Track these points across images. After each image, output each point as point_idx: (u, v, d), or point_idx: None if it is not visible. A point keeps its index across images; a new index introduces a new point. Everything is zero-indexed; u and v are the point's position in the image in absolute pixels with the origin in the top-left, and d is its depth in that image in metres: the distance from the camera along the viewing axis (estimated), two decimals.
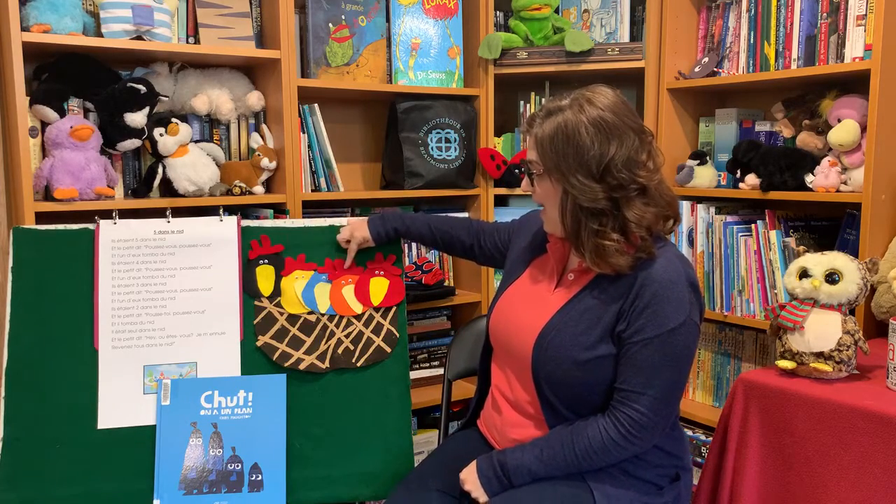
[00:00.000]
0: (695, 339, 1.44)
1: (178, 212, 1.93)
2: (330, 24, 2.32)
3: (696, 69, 2.36)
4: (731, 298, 2.24)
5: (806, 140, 2.11)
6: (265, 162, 2.18)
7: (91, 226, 1.79)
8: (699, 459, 2.27)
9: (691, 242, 2.34)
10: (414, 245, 2.59)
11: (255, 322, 1.82)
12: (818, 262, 1.63)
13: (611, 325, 1.42)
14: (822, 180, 2.01)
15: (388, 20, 2.44)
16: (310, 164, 2.29)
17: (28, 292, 1.73)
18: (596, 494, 1.43)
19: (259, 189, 2.20)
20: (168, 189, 2.06)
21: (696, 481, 1.75)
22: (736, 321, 2.24)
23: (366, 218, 1.89)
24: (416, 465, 1.77)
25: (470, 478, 1.49)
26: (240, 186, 2.17)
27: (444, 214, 1.97)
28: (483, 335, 1.73)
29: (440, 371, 2.44)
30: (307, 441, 1.78)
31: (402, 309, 1.91)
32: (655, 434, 1.43)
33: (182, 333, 1.78)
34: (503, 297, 1.63)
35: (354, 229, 1.87)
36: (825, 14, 2.07)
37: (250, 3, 2.22)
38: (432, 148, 2.45)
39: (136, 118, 1.97)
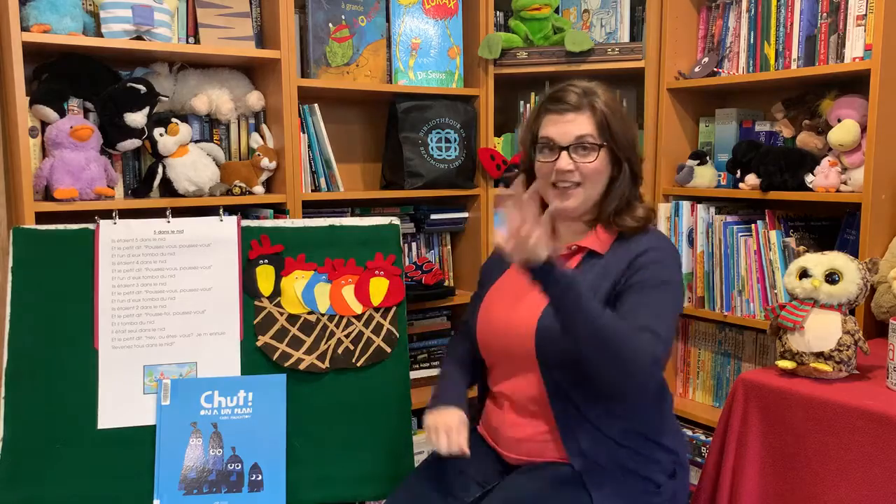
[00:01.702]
0: (683, 294, 1.55)
1: (178, 212, 1.93)
2: (330, 24, 2.32)
3: (696, 69, 2.36)
4: (731, 298, 2.24)
5: (806, 140, 2.11)
6: (265, 162, 2.18)
7: (91, 226, 1.79)
8: (699, 459, 2.27)
9: (691, 242, 2.34)
10: (414, 245, 2.59)
11: (255, 322, 1.82)
12: (818, 262, 1.63)
13: (609, 292, 1.47)
14: (822, 180, 2.01)
15: (388, 20, 2.44)
16: (310, 164, 2.29)
17: (28, 292, 1.73)
18: (594, 495, 1.44)
19: (259, 189, 2.20)
20: (168, 189, 2.06)
21: (695, 481, 1.75)
22: (736, 321, 2.24)
23: (443, 410, 1.62)
24: (416, 465, 1.77)
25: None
26: (240, 186, 2.17)
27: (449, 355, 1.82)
28: None
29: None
30: (307, 441, 1.78)
31: (402, 309, 1.91)
32: (663, 349, 1.41)
33: (182, 333, 1.78)
34: (484, 307, 1.64)
35: (449, 426, 1.56)
36: (825, 14, 2.07)
37: (250, 3, 2.22)
38: (432, 148, 2.45)
39: (136, 118, 1.97)
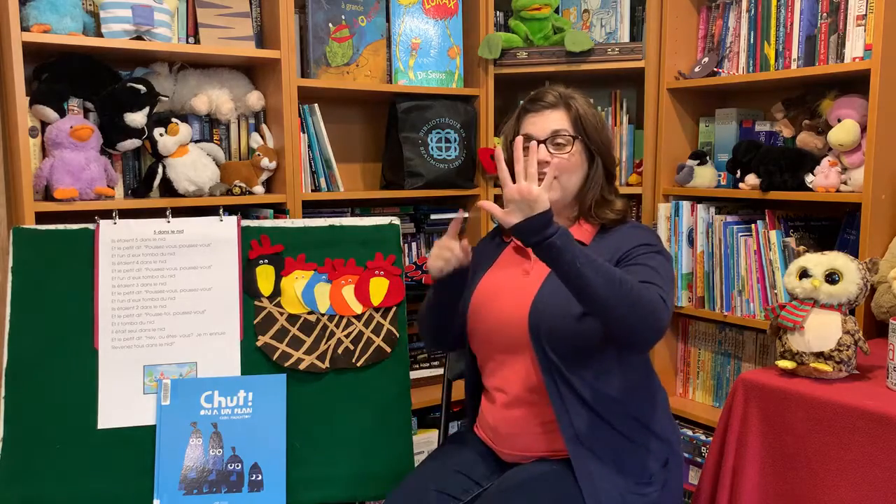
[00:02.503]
0: (671, 262, 1.60)
1: (178, 212, 1.93)
2: (330, 24, 2.32)
3: (696, 69, 2.36)
4: (731, 298, 2.24)
5: (806, 140, 2.11)
6: (265, 162, 2.18)
7: (91, 226, 1.79)
8: (699, 459, 2.27)
9: (691, 242, 2.34)
10: (414, 245, 2.59)
11: (255, 322, 1.82)
12: (818, 262, 1.63)
13: None
14: (822, 180, 2.01)
15: (388, 20, 2.44)
16: (310, 164, 2.29)
17: (28, 292, 1.73)
18: (584, 491, 1.45)
19: (259, 189, 2.20)
20: (168, 189, 2.06)
21: (695, 481, 1.75)
22: (736, 321, 2.23)
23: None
24: (415, 465, 1.77)
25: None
26: (240, 186, 2.17)
27: None
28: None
29: (440, 371, 2.44)
30: (307, 441, 1.78)
31: (402, 309, 1.91)
32: (667, 295, 1.46)
33: (182, 333, 1.78)
34: (474, 301, 1.65)
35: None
36: (825, 14, 2.07)
37: (250, 3, 2.22)
38: (432, 148, 2.45)
39: (136, 118, 1.97)
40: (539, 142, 1.58)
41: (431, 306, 1.68)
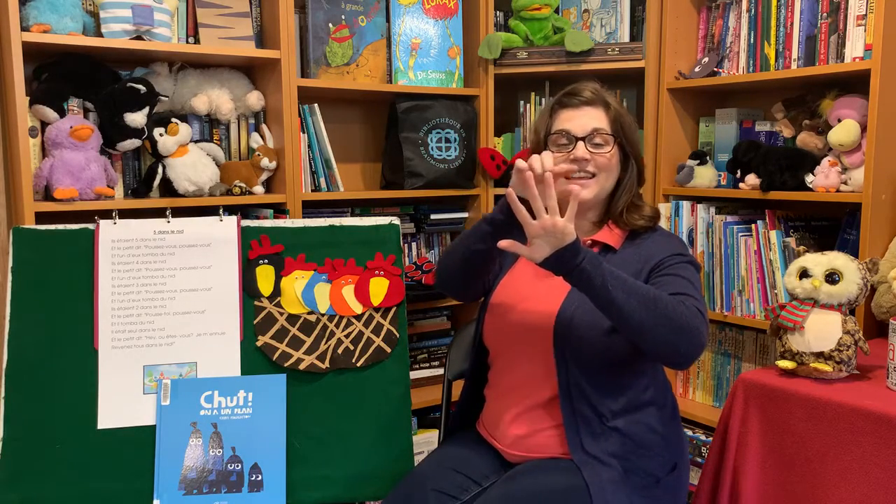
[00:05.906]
0: (699, 269, 1.58)
1: (178, 212, 1.93)
2: (330, 24, 2.32)
3: (696, 69, 2.36)
4: (731, 298, 2.24)
5: (806, 140, 2.11)
6: (265, 162, 2.18)
7: (91, 226, 1.79)
8: (699, 459, 2.27)
9: (691, 242, 2.34)
10: (414, 245, 2.60)
11: (255, 322, 1.82)
12: (818, 262, 1.63)
13: None
14: (822, 180, 2.01)
15: (388, 20, 2.44)
16: (310, 164, 2.29)
17: (28, 292, 1.73)
18: (592, 490, 1.44)
19: (259, 189, 2.20)
20: (168, 189, 2.06)
21: (695, 481, 1.75)
22: (736, 321, 2.24)
23: None
24: (415, 465, 1.77)
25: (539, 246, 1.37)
26: (240, 186, 2.17)
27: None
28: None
29: (440, 371, 2.44)
30: (307, 441, 1.78)
31: (402, 309, 1.91)
32: (703, 306, 1.44)
33: (182, 333, 1.78)
34: (496, 298, 1.64)
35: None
36: (825, 14, 2.07)
37: (250, 3, 2.22)
38: (432, 148, 2.45)
39: (136, 118, 1.97)
40: (578, 139, 1.56)
41: (469, 245, 1.57)
